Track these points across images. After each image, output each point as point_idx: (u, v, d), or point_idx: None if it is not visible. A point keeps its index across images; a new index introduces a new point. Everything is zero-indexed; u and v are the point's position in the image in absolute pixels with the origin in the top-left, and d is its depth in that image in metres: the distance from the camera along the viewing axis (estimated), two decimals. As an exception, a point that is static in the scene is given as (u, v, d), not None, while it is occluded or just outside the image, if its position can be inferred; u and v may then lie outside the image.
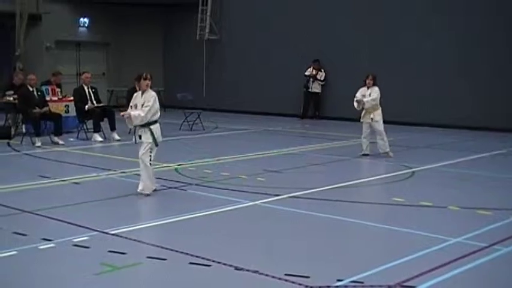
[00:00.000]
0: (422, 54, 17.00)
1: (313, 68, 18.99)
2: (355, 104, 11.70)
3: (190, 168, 10.23)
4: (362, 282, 4.98)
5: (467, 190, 8.95)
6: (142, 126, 8.27)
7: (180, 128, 15.79)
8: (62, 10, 20.74)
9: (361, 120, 11.75)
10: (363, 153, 11.63)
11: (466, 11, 16.41)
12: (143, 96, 8.37)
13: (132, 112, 8.23)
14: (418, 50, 17.09)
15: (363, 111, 11.69)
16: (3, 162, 11.32)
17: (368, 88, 11.63)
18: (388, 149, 11.51)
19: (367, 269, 5.27)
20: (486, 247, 5.95)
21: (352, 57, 18.17)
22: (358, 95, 11.68)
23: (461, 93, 16.38)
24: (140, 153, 8.26)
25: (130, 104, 8.47)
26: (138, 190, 8.16)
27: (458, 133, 15.45)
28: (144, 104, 8.26)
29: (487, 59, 16.05)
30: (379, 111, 11.66)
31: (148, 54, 22.65)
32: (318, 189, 8.62)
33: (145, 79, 8.38)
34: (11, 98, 14.29)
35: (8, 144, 13.05)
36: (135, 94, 8.54)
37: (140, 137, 8.30)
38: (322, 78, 19.02)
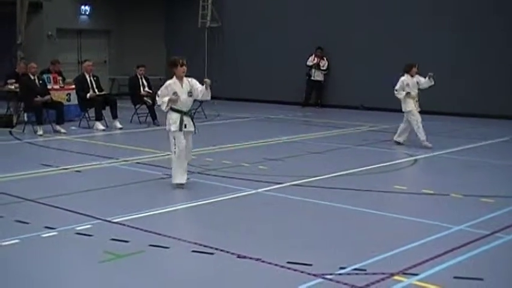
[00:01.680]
0: (423, 42, 16.91)
1: (316, 56, 18.91)
2: (402, 95, 11.37)
3: (192, 157, 10.20)
4: (365, 270, 4.99)
5: (469, 178, 8.94)
6: (188, 114, 7.98)
7: (181, 116, 15.76)
8: (63, -2, 20.67)
9: (416, 110, 11.37)
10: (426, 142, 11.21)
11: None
12: (184, 82, 7.99)
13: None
14: (418, 39, 16.99)
15: (414, 100, 11.38)
16: (5, 151, 11.34)
17: (412, 77, 11.39)
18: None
19: (370, 257, 5.28)
20: (488, 235, 5.96)
21: (355, 46, 18.09)
22: (409, 83, 11.31)
23: (460, 80, 16.32)
24: (190, 144, 7.98)
25: (163, 93, 7.95)
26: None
27: (457, 120, 15.40)
28: (198, 88, 8.00)
29: (487, 44, 15.97)
30: None
31: (149, 42, 22.58)
32: (320, 177, 8.62)
33: (182, 65, 7.98)
34: (13, 87, 14.27)
35: (10, 132, 13.06)
36: (169, 82, 8.01)
37: (186, 125, 7.93)
38: (324, 67, 18.95)
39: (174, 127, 7.90)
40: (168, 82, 8.07)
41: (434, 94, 16.59)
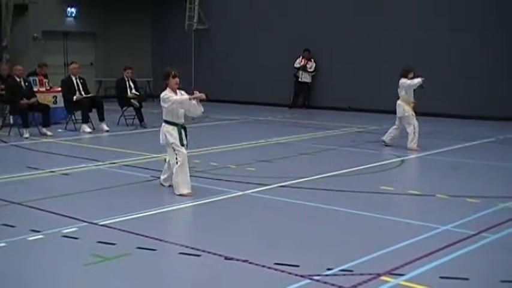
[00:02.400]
0: (410, 42, 17.01)
1: (303, 58, 18.96)
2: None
3: (179, 159, 10.19)
4: (351, 271, 5.01)
5: (455, 178, 9.00)
6: (183, 127, 7.86)
7: (169, 118, 15.72)
8: (48, 0, 20.56)
9: (413, 113, 11.45)
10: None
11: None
12: (178, 95, 7.80)
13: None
14: (405, 40, 17.08)
15: (410, 105, 11.50)
16: (-9, 154, 11.27)
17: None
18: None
19: (357, 258, 5.30)
20: (474, 235, 6.00)
21: (342, 47, 18.16)
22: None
23: (447, 81, 16.42)
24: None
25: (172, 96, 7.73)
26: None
27: (443, 122, 15.49)
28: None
29: (478, 45, 16.09)
30: None
31: (136, 44, 22.54)
32: (307, 179, 8.64)
33: (174, 77, 7.71)
34: (-3, 89, 14.18)
35: (-4, 135, 12.98)
36: (168, 95, 7.72)
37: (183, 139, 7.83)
38: (312, 69, 19.01)
39: (172, 139, 7.74)
40: (165, 93, 7.80)
41: (418, 95, 16.77)
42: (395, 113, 14.64)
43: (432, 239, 5.90)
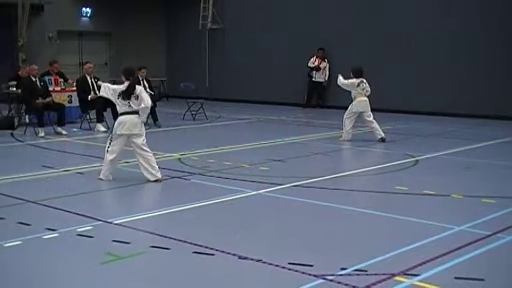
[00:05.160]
0: (421, 43, 16.94)
1: (317, 57, 18.92)
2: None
3: (193, 158, 10.24)
4: (366, 271, 4.99)
5: (471, 178, 8.94)
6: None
7: (183, 118, 15.78)
8: (64, 0, 20.69)
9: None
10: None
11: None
12: None
13: None
14: (416, 39, 17.01)
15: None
16: (7, 153, 11.35)
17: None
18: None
19: (371, 258, 5.27)
20: (489, 235, 5.95)
21: (356, 46, 18.09)
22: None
23: (457, 81, 16.34)
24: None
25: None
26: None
27: (456, 121, 15.41)
28: None
29: (484, 44, 15.98)
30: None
31: (151, 44, 22.61)
32: (321, 178, 8.62)
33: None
34: (14, 89, 14.30)
35: (12, 134, 13.08)
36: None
37: None
38: (325, 69, 18.95)
39: None
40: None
41: (431, 94, 16.71)
42: (406, 112, 14.83)
43: (447, 239, 5.86)
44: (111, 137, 8.48)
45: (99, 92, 13.88)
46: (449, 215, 6.74)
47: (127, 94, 8.34)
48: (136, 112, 8.38)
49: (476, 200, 7.48)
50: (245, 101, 20.23)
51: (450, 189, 7.96)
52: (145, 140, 8.45)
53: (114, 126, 8.55)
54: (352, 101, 12.32)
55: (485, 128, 14.28)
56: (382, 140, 11.91)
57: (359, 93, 12.23)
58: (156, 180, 8.31)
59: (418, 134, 13.37)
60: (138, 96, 8.36)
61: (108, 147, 8.43)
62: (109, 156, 8.43)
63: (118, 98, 8.41)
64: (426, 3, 16.98)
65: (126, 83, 8.44)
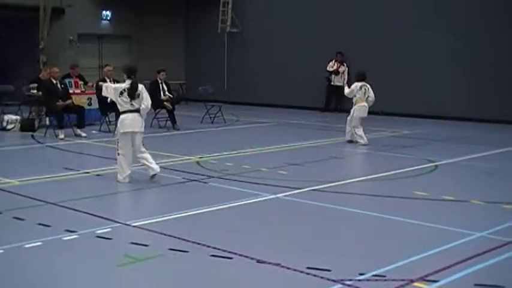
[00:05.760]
0: (439, 47, 16.82)
1: (336, 61, 18.87)
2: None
3: (211, 161, 10.26)
4: (384, 276, 4.96)
5: (491, 184, 8.85)
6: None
7: (201, 121, 15.82)
8: (84, 3, 20.87)
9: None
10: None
11: None
12: None
13: None
14: (434, 44, 16.90)
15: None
16: (28, 154, 11.48)
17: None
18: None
19: (389, 263, 5.24)
20: (510, 242, 5.88)
21: (375, 50, 18.01)
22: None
23: (477, 86, 16.20)
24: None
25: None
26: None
27: (473, 126, 15.29)
28: None
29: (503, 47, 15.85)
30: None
31: (170, 47, 22.70)
32: (339, 183, 8.59)
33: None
34: (35, 91, 14.44)
35: (32, 136, 13.20)
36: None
37: None
38: (344, 73, 18.88)
39: None
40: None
41: (449, 98, 16.57)
42: (427, 117, 14.85)
43: (467, 246, 5.81)
44: (118, 139, 8.57)
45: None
46: (469, 221, 6.68)
47: (131, 93, 8.46)
48: (137, 110, 8.53)
49: (497, 206, 7.40)
50: (263, 104, 20.22)
51: (470, 194, 7.89)
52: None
53: (118, 126, 8.63)
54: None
55: (504, 134, 14.12)
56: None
57: (360, 98, 12.39)
58: (155, 175, 8.49)
59: (436, 139, 13.27)
60: (139, 94, 8.53)
61: (118, 150, 8.52)
62: (121, 159, 8.49)
63: (120, 96, 8.50)
64: (446, 4, 16.84)
65: (128, 81, 8.55)
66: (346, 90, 12.71)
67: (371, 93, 12.42)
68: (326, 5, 19.19)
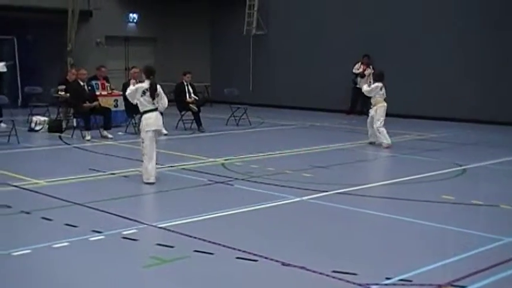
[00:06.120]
0: (469, 49, 16.62)
1: (362, 64, 18.77)
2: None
3: (236, 163, 10.27)
4: (411, 281, 4.91)
5: (520, 189, 8.71)
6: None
7: (226, 123, 15.86)
8: (111, 6, 21.07)
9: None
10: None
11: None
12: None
13: None
14: (464, 46, 16.71)
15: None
16: (55, 155, 11.61)
17: None
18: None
19: (416, 268, 5.18)
20: (540, 248, 5.79)
21: (401, 53, 17.88)
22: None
23: (509, 89, 15.97)
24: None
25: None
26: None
27: (502, 129, 15.06)
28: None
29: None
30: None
31: (195, 49, 22.80)
32: (365, 186, 8.53)
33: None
34: (62, 93, 14.61)
35: (60, 137, 13.36)
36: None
37: None
38: (369, 75, 18.76)
39: None
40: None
41: (476, 102, 16.36)
42: (454, 120, 14.66)
43: (495, 251, 5.72)
44: (142, 139, 8.68)
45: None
46: (497, 226, 6.58)
47: (153, 92, 8.72)
48: (157, 109, 8.81)
49: (526, 211, 7.28)
50: (288, 107, 20.19)
51: (499, 199, 7.77)
52: None
53: (142, 125, 8.73)
54: (369, 108, 12.75)
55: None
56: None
57: (378, 99, 12.38)
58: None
59: (464, 142, 13.11)
60: (158, 94, 8.80)
61: (143, 151, 8.62)
62: (147, 160, 8.58)
63: (142, 96, 8.69)
64: (470, 6, 16.66)
65: (147, 82, 8.77)
66: (366, 88, 12.79)
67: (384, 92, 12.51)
68: (351, 7, 19.09)
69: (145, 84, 8.76)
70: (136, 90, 8.75)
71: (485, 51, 16.35)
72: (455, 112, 16.74)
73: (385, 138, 12.10)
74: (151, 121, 8.69)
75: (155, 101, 8.78)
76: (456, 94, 16.86)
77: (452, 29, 16.96)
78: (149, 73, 8.92)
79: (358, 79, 18.83)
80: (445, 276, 5.00)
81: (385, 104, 12.42)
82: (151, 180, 8.52)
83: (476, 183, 9.04)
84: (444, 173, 9.59)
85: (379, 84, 12.40)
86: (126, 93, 9.04)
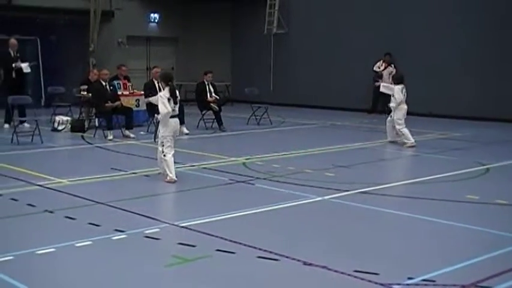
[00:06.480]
0: (495, 46, 16.44)
1: (384, 62, 18.65)
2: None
3: (258, 163, 10.26)
4: (434, 281, 4.86)
5: (545, 188, 8.58)
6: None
7: (247, 123, 15.86)
8: (133, 6, 21.21)
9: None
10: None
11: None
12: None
13: None
14: (488, 44, 16.53)
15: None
16: (78, 155, 11.71)
17: None
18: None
19: (439, 268, 5.14)
20: None
21: (423, 51, 17.73)
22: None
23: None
24: None
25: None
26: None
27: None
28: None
29: None
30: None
31: (216, 49, 22.85)
32: (388, 185, 8.48)
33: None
34: (85, 93, 14.73)
35: (82, 137, 13.47)
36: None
37: None
38: (391, 74, 18.62)
39: None
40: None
41: (500, 99, 16.16)
42: (478, 119, 14.51)
43: (520, 252, 5.65)
44: (163, 142, 8.75)
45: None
46: (522, 226, 6.49)
47: (175, 98, 8.80)
48: (178, 115, 8.98)
49: (552, 210, 7.17)
50: (309, 106, 20.13)
51: (523, 199, 7.67)
52: None
53: (165, 131, 8.75)
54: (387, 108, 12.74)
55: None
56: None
57: (401, 100, 12.26)
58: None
59: (487, 141, 12.97)
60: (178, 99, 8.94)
61: (163, 151, 8.70)
62: (170, 160, 8.67)
63: (169, 103, 8.74)
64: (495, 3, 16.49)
65: (167, 89, 8.82)
66: (384, 89, 12.75)
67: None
68: (373, 5, 18.98)
69: (167, 92, 8.78)
70: (164, 100, 8.70)
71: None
72: (477, 111, 16.56)
73: (408, 139, 12.01)
74: (172, 128, 8.80)
75: (176, 107, 8.83)
76: (482, 93, 16.67)
77: (468, 27, 16.79)
78: (168, 79, 8.98)
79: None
80: (469, 276, 4.94)
81: (405, 106, 12.30)
82: (174, 178, 8.57)
83: (500, 182, 8.92)
84: (467, 172, 9.48)
85: (401, 87, 12.27)
86: (164, 112, 8.70)
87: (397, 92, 12.20)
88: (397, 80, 12.59)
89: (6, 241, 6.01)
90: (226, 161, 10.45)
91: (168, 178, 8.63)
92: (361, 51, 19.11)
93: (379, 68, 18.70)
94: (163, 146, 8.73)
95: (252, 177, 9.05)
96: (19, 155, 11.17)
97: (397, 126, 12.18)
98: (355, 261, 5.31)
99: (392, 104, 12.41)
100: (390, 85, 12.59)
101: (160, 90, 14.24)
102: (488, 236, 6.20)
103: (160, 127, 8.86)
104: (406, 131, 12.09)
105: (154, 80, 14.48)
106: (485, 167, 9.93)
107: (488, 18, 16.57)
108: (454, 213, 7.15)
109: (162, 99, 8.69)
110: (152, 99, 9.69)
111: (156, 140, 9.18)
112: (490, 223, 6.60)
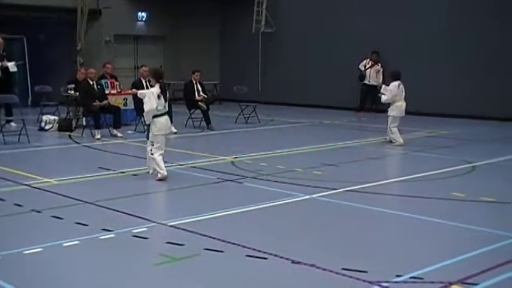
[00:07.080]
0: (480, 45, 16.54)
1: (370, 60, 18.71)
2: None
3: (246, 161, 10.27)
4: (422, 278, 4.89)
5: (531, 185, 8.66)
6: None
7: (235, 121, 15.85)
8: (120, 4, 21.11)
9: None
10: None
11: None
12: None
13: None
14: (474, 42, 16.64)
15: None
16: (65, 154, 11.66)
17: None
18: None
19: (427, 265, 5.17)
20: (552, 245, 5.75)
21: (411, 50, 17.81)
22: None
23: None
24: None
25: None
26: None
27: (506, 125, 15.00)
28: None
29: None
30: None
31: (204, 47, 22.82)
32: (376, 183, 8.51)
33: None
34: (72, 92, 14.66)
35: (69, 136, 13.41)
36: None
37: None
38: (379, 72, 18.70)
39: None
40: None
41: (487, 98, 16.27)
42: (465, 117, 14.53)
43: (507, 248, 5.70)
44: (152, 142, 8.73)
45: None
46: (508, 223, 6.55)
47: (165, 95, 8.79)
48: (167, 112, 8.93)
49: (538, 208, 7.24)
50: (297, 104, 20.15)
51: (508, 196, 7.74)
52: None
53: (155, 129, 8.71)
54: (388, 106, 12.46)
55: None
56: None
57: (398, 97, 12.20)
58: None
59: (474, 139, 13.06)
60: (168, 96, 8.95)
61: (151, 150, 8.70)
62: (159, 159, 8.67)
63: (158, 100, 8.70)
64: (482, 4, 16.60)
65: (157, 85, 8.80)
66: (385, 97, 12.36)
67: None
68: (361, 4, 19.03)
69: (157, 89, 8.74)
70: (154, 96, 8.66)
71: (503, 48, 16.26)
72: (466, 109, 16.66)
73: (397, 138, 11.98)
74: (163, 126, 8.76)
75: (166, 104, 8.82)
76: (469, 91, 16.77)
77: (471, 28, 16.88)
78: (158, 76, 8.93)
79: (368, 75, 18.75)
80: (456, 273, 4.98)
81: (404, 103, 12.25)
82: (164, 172, 8.57)
83: (486, 180, 8.99)
84: (454, 170, 9.54)
85: (397, 83, 12.18)
86: (148, 108, 8.65)
87: (393, 88, 12.13)
88: (394, 76, 12.46)
89: (-7, 241, 5.98)
90: (214, 159, 10.45)
91: (159, 176, 8.61)
92: (349, 49, 19.16)
93: (364, 66, 18.76)
94: (152, 145, 8.70)
95: (240, 176, 9.06)
96: (6, 154, 11.09)
97: (390, 125, 12.13)
98: (343, 259, 5.33)
99: (384, 97, 12.38)
100: (387, 87, 12.39)
101: (147, 88, 14.28)
102: (475, 233, 6.24)
103: (152, 126, 8.79)
104: (396, 130, 12.07)
105: (142, 78, 14.46)
106: (471, 164, 10.00)
107: (477, 18, 16.67)
108: (440, 210, 7.20)
109: (152, 95, 8.67)
110: (142, 92, 9.49)
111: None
112: (476, 220, 6.65)
